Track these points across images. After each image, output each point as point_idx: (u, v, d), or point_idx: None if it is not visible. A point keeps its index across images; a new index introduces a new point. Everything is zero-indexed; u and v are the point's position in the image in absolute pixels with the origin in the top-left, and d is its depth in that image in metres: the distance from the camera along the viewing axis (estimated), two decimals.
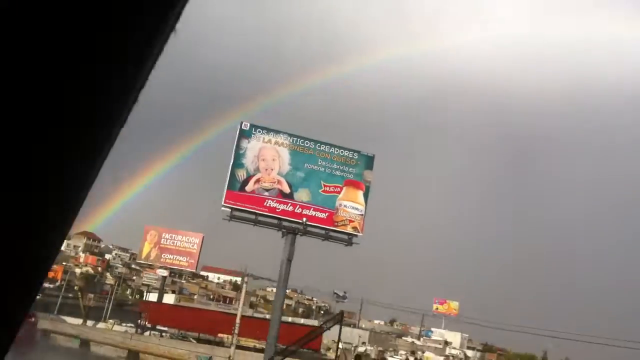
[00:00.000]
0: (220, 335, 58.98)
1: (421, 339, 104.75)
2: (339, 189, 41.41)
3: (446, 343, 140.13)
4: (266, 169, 40.66)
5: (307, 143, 41.52)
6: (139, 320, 61.09)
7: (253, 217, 40.22)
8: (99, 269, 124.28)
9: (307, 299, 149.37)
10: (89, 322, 63.72)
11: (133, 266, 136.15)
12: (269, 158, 40.86)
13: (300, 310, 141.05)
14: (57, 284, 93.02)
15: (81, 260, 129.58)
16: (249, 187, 40.06)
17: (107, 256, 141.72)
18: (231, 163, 40.21)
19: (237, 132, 40.74)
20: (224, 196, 39.52)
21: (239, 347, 60.22)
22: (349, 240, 41.29)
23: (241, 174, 40.17)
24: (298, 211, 40.34)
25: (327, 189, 41.26)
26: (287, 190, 40.55)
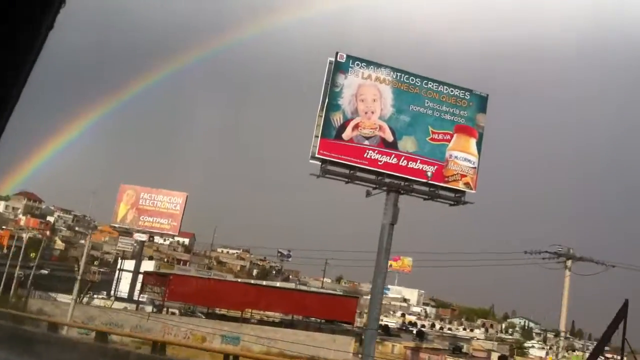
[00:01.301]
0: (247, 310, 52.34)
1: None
2: (449, 137, 34.28)
3: (405, 300, 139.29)
4: (366, 112, 33.03)
5: (412, 79, 33.80)
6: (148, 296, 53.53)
7: (347, 171, 33.01)
8: (47, 232, 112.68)
9: (260, 260, 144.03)
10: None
11: (77, 229, 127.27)
12: (370, 98, 33.17)
13: (255, 271, 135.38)
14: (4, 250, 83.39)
15: (22, 223, 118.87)
16: (347, 135, 32.54)
17: (49, 218, 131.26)
18: (325, 103, 32.37)
19: (330, 65, 32.71)
20: (318, 145, 31.97)
21: (261, 322, 53.85)
22: (458, 198, 34.63)
23: (337, 118, 32.47)
24: (403, 164, 33.16)
25: (436, 136, 34.03)
26: (390, 138, 33.19)
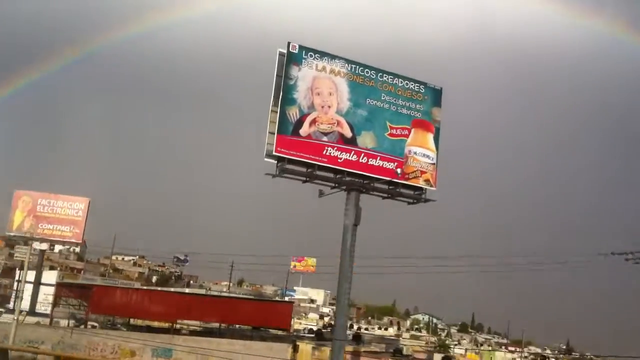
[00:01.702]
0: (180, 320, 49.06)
1: (286, 298, 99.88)
2: (407, 132, 32.58)
3: (312, 301, 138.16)
4: (322, 106, 30.68)
5: (367, 72, 31.86)
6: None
7: (304, 170, 30.47)
8: None
9: (159, 265, 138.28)
10: None
11: None
12: (326, 91, 30.86)
13: (155, 278, 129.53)
14: None
15: None
16: (304, 131, 30.00)
17: None
18: (279, 97, 29.76)
19: (281, 57, 30.19)
20: (275, 142, 29.19)
21: (193, 332, 50.97)
22: (418, 196, 32.88)
23: (293, 113, 29.89)
24: (363, 161, 31.00)
25: (394, 131, 32.21)
26: (348, 134, 30.99)
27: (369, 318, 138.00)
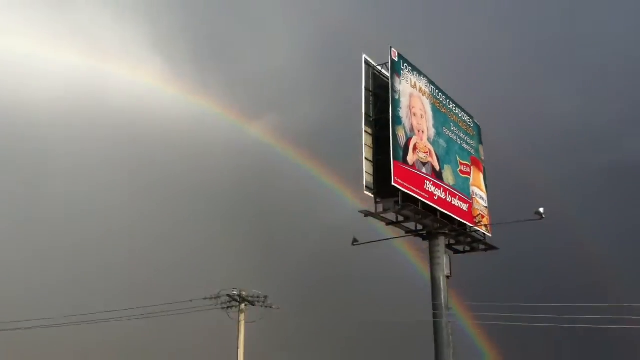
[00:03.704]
0: None
1: None
2: (469, 170, 28.36)
3: None
4: (419, 130, 24.91)
5: (441, 96, 27.09)
6: None
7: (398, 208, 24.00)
8: None
9: None
10: None
11: None
12: (419, 113, 25.20)
13: None
14: None
15: None
16: (410, 158, 23.84)
17: None
18: (370, 114, 23.35)
19: (367, 67, 23.98)
20: (393, 170, 22.47)
21: None
22: (487, 244, 28.37)
23: (401, 135, 23.59)
24: (448, 200, 25.86)
25: (462, 168, 27.76)
26: (437, 166, 25.63)
27: None
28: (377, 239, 25.41)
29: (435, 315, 24.54)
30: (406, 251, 28.63)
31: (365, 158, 23.00)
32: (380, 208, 23.26)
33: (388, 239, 25.78)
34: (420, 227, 25.07)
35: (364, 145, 23.13)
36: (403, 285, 34.92)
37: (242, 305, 26.17)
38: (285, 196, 53.02)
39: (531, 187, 44.42)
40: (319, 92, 56.97)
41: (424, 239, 25.66)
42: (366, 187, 22.76)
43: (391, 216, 24.03)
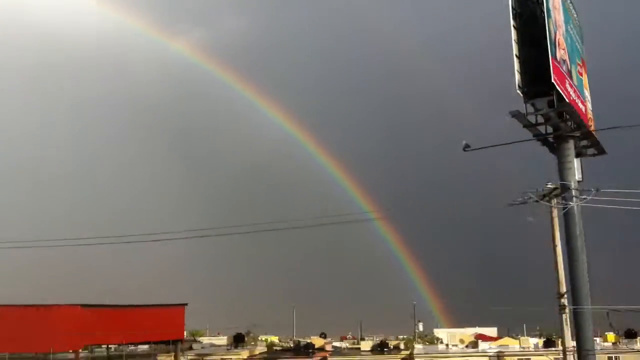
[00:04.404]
0: None
1: None
2: (582, 71, 26.80)
3: None
4: (559, 25, 23.10)
5: None
6: None
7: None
8: None
9: None
10: None
11: None
12: (558, 6, 23.32)
13: None
14: None
15: None
16: (558, 55, 22.13)
17: None
18: (535, 4, 21.34)
19: None
20: (551, 67, 20.74)
21: None
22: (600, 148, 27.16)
23: (552, 30, 21.75)
24: (577, 101, 24.40)
25: (579, 69, 26.20)
26: (569, 65, 23.98)
27: None
28: (488, 145, 23.83)
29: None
30: None
31: (515, 55, 21.15)
32: (530, 109, 21.60)
33: (509, 144, 24.27)
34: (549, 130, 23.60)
35: (513, 42, 21.23)
36: None
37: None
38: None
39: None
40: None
41: (548, 146, 24.21)
42: (518, 86, 21.02)
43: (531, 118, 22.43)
